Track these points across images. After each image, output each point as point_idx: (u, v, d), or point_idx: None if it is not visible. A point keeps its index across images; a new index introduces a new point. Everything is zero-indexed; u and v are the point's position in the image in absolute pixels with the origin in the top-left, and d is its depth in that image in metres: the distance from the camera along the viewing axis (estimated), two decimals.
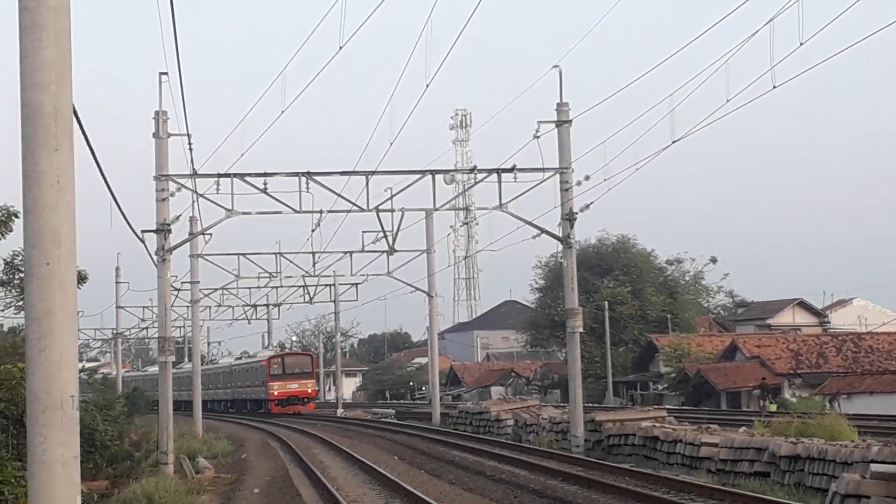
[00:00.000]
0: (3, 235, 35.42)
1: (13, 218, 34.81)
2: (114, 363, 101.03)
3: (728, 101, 25.23)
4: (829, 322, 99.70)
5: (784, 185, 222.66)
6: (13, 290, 37.00)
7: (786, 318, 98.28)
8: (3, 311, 39.04)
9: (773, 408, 53.35)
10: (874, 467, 19.63)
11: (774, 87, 23.28)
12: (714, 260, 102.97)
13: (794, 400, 65.47)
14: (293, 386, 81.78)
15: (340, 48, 25.25)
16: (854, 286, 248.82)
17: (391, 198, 37.14)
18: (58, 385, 10.28)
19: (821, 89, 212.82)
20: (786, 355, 77.01)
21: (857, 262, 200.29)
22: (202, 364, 71.36)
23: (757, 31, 23.60)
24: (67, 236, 10.42)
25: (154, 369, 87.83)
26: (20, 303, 36.15)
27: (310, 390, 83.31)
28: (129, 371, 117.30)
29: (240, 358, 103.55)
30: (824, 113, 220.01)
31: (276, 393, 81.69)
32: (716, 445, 27.63)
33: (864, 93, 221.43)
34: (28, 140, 10.40)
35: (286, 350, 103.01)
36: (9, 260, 36.57)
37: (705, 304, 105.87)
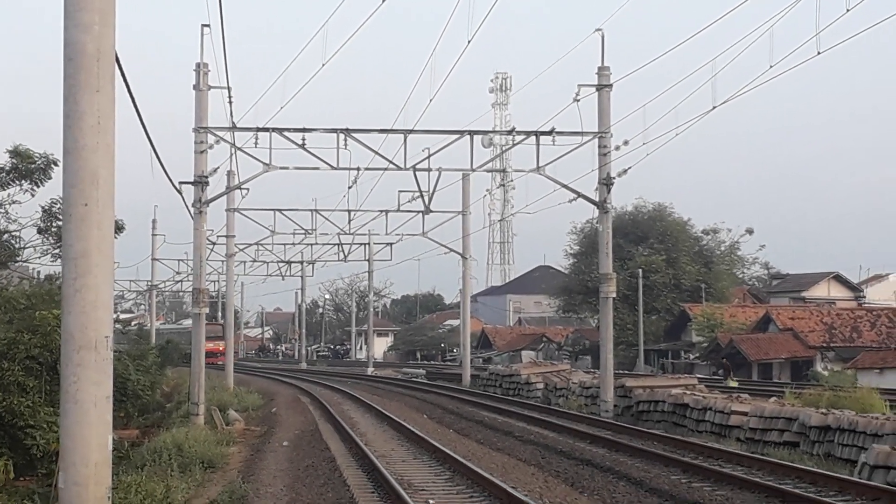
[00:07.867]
0: (41, 182, 35.59)
1: (52, 166, 35.00)
2: (148, 315, 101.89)
3: (771, 66, 25.03)
4: (864, 296, 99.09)
5: (824, 157, 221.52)
6: (50, 238, 37.18)
7: (821, 291, 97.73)
8: (40, 258, 39.22)
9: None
10: None
11: (819, 54, 23.08)
12: (750, 231, 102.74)
13: (825, 373, 65.15)
14: (209, 345, 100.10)
15: (383, 1, 25.16)
16: (891, 261, 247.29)
17: (428, 157, 37.14)
18: (92, 325, 10.32)
19: (867, 57, 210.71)
20: (819, 328, 76.63)
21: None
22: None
23: None
24: (106, 178, 10.42)
25: (188, 322, 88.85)
26: (57, 250, 36.34)
27: (220, 348, 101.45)
28: (163, 323, 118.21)
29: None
30: (869, 82, 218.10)
31: None
32: (746, 414, 27.61)
33: None
34: (70, 80, 10.39)
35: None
36: (46, 207, 36.74)
37: (740, 275, 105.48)
